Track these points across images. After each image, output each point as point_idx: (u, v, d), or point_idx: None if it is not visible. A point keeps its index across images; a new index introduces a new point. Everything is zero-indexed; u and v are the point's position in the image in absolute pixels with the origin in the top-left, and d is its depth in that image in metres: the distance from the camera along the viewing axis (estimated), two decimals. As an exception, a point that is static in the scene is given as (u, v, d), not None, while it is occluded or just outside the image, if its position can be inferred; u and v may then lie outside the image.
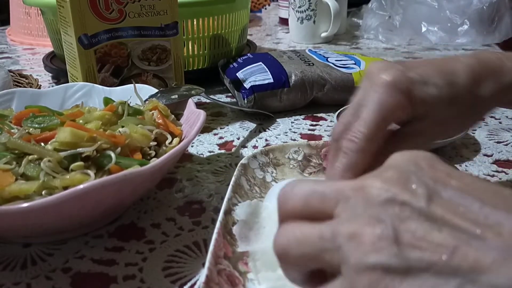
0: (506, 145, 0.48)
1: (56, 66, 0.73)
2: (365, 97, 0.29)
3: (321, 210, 0.19)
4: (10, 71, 0.63)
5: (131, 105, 0.40)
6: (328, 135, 0.52)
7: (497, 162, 0.45)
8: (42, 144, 0.33)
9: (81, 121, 0.37)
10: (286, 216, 0.21)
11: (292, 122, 0.56)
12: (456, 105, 0.29)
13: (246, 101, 0.56)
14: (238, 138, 0.51)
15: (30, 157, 0.31)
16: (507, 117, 0.56)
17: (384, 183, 0.18)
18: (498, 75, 0.30)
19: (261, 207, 0.34)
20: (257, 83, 0.57)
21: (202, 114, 0.37)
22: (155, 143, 0.37)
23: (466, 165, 0.44)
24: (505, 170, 0.43)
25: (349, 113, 0.29)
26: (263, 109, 0.57)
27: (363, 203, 0.18)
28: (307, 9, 0.96)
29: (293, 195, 0.21)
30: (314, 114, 0.58)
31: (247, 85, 0.57)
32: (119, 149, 0.33)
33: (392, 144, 0.29)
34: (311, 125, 0.55)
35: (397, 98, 0.28)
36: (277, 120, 0.56)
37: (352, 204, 0.18)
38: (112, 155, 0.32)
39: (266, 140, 0.51)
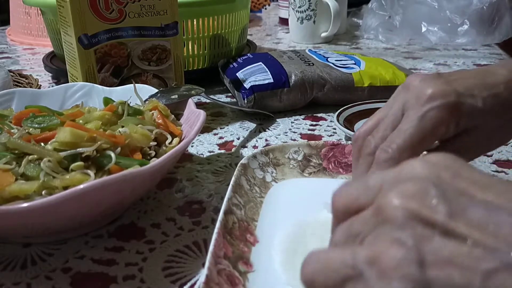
0: (506, 145, 0.48)
1: (56, 66, 0.73)
2: (407, 106, 0.28)
3: (344, 239, 0.19)
4: (10, 71, 0.63)
5: (131, 105, 0.40)
6: (328, 135, 0.52)
7: (497, 162, 0.45)
8: (42, 144, 0.33)
9: (81, 121, 0.37)
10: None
11: (292, 122, 0.56)
12: (500, 117, 0.29)
13: (246, 101, 0.56)
14: (238, 138, 0.51)
15: (30, 157, 0.31)
16: (507, 117, 0.56)
17: (402, 198, 0.17)
18: None
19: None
20: (257, 83, 0.57)
21: (202, 114, 0.37)
22: (155, 143, 0.37)
23: (466, 165, 0.44)
24: (505, 170, 0.43)
25: (387, 122, 0.29)
26: (263, 109, 0.57)
27: (383, 223, 0.17)
28: (307, 9, 0.96)
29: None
30: (314, 114, 0.58)
31: (247, 85, 0.57)
32: (119, 149, 0.33)
33: None
34: (311, 125, 0.55)
35: (442, 113, 0.27)
36: (277, 120, 0.56)
37: (374, 228, 0.17)
38: (112, 155, 0.32)
39: (266, 140, 0.51)
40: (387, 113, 0.29)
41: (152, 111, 0.40)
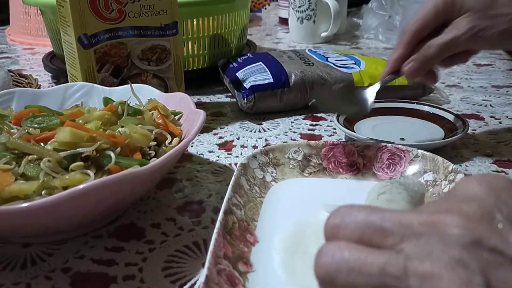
0: (507, 145, 0.48)
1: (55, 66, 0.73)
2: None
3: (379, 245, 0.16)
4: (9, 71, 0.63)
5: (130, 105, 0.40)
6: (328, 135, 0.52)
7: (497, 162, 0.45)
8: (42, 144, 0.33)
9: (80, 121, 0.37)
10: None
11: (292, 122, 0.56)
12: (491, 11, 0.37)
13: (246, 101, 0.56)
14: (238, 138, 0.51)
15: (30, 157, 0.31)
16: (507, 117, 0.56)
17: (464, 220, 0.15)
18: None
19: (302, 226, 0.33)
20: (257, 83, 0.57)
21: (202, 114, 0.37)
22: (155, 143, 0.37)
23: (466, 165, 0.44)
24: (505, 170, 0.43)
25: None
26: (263, 109, 0.57)
27: (441, 242, 0.15)
28: (307, 9, 0.96)
29: (345, 227, 0.17)
30: (314, 114, 0.58)
31: (247, 85, 0.57)
32: (118, 149, 0.33)
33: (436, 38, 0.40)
34: (311, 125, 0.55)
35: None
36: (277, 120, 0.56)
37: (426, 241, 0.15)
38: (112, 155, 0.32)
39: (266, 140, 0.51)
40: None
41: (152, 111, 0.40)
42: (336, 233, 0.17)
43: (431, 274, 0.14)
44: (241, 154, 0.48)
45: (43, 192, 0.29)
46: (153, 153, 0.36)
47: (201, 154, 0.48)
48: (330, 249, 0.16)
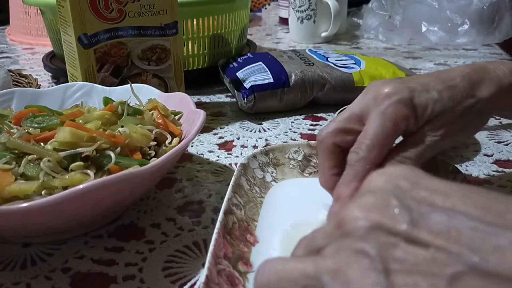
0: (507, 145, 0.48)
1: (55, 65, 0.73)
2: (367, 109, 0.30)
3: (306, 253, 0.19)
4: (9, 70, 0.63)
5: (130, 105, 0.40)
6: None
7: (497, 162, 0.45)
8: (42, 144, 0.33)
9: (80, 121, 0.37)
10: None
11: (292, 122, 0.56)
12: (458, 108, 0.30)
13: (246, 101, 0.56)
14: (238, 138, 0.51)
15: (30, 157, 0.31)
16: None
17: (362, 211, 0.17)
18: (495, 78, 0.31)
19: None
20: (257, 83, 0.57)
21: (202, 114, 0.37)
22: (155, 143, 0.37)
23: (466, 165, 0.44)
24: (505, 170, 0.43)
25: (348, 120, 0.31)
26: (263, 109, 0.57)
27: (346, 238, 0.17)
28: (307, 9, 0.96)
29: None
30: (314, 114, 0.58)
31: (247, 85, 0.57)
32: (118, 149, 0.33)
33: (405, 152, 0.30)
34: (311, 125, 0.55)
35: (398, 108, 0.28)
36: (277, 120, 0.56)
37: (337, 242, 0.17)
38: (112, 155, 0.32)
39: (266, 140, 0.51)
40: (350, 113, 0.31)
41: (152, 111, 0.40)
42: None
43: (338, 268, 0.16)
44: (241, 154, 0.48)
45: (43, 192, 0.29)
46: (153, 153, 0.36)
47: (201, 154, 0.48)
48: (265, 265, 0.19)
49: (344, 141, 0.31)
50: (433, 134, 0.30)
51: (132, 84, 0.44)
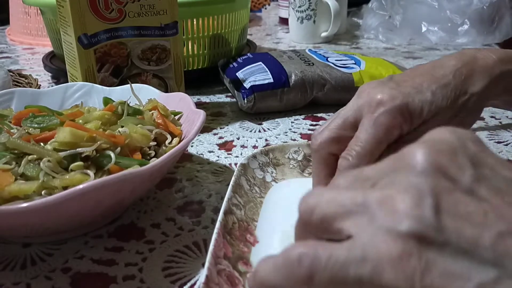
0: (506, 145, 0.48)
1: (55, 66, 0.73)
2: (360, 114, 0.30)
3: (355, 187, 0.18)
4: (9, 70, 0.63)
5: (130, 105, 0.40)
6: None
7: (497, 162, 0.45)
8: (42, 144, 0.33)
9: (80, 121, 0.37)
10: None
11: (292, 122, 0.56)
12: (453, 106, 0.30)
13: (246, 101, 0.56)
14: (238, 138, 0.51)
15: (30, 157, 0.31)
16: (507, 117, 0.56)
17: (431, 150, 0.16)
18: (485, 69, 0.31)
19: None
20: (257, 83, 0.57)
21: (202, 114, 0.37)
22: (155, 143, 0.37)
23: (466, 165, 0.44)
24: (505, 170, 0.43)
25: (342, 128, 0.30)
26: (263, 109, 0.57)
27: (404, 169, 0.16)
28: (307, 9, 0.96)
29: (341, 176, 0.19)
30: (314, 114, 0.58)
31: (247, 85, 0.57)
32: (118, 149, 0.33)
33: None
34: (311, 125, 0.55)
35: (392, 116, 0.28)
36: (277, 120, 0.56)
37: (391, 175, 0.17)
38: (112, 155, 0.32)
39: (266, 140, 0.51)
40: (338, 113, 0.31)
41: (152, 111, 0.40)
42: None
43: (387, 197, 0.16)
44: (241, 154, 0.48)
45: (43, 192, 0.29)
46: (153, 153, 0.36)
47: (201, 154, 0.48)
48: (315, 191, 0.19)
49: (339, 150, 0.31)
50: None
51: (132, 84, 0.44)
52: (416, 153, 0.17)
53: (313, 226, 0.18)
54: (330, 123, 0.32)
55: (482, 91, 0.31)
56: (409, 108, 0.29)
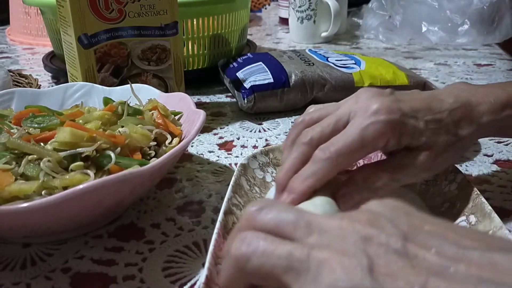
0: (507, 145, 0.48)
1: (55, 66, 0.73)
2: (354, 115, 0.29)
3: (290, 236, 0.19)
4: (9, 71, 0.63)
5: (130, 105, 0.40)
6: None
7: (497, 162, 0.45)
8: (42, 144, 0.33)
9: (80, 121, 0.37)
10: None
11: (292, 122, 0.56)
12: (441, 139, 0.30)
13: (246, 101, 0.56)
14: (238, 138, 0.51)
15: (30, 157, 0.31)
16: (507, 117, 0.56)
17: (361, 224, 0.19)
18: (476, 117, 0.32)
19: None
20: (257, 83, 0.57)
21: (202, 114, 0.37)
22: (155, 143, 0.37)
23: (466, 165, 0.44)
24: (505, 170, 0.43)
25: (334, 129, 0.30)
26: (263, 109, 0.57)
27: (340, 238, 0.18)
28: (307, 9, 0.96)
29: (262, 217, 0.20)
30: (314, 114, 0.58)
31: (247, 85, 0.57)
32: (118, 149, 0.33)
33: (382, 171, 0.30)
34: (311, 125, 0.55)
35: (384, 128, 0.28)
36: (277, 120, 0.56)
37: (329, 237, 0.19)
38: (112, 155, 0.32)
39: (266, 140, 0.51)
40: (333, 112, 0.31)
41: (152, 111, 0.40)
42: (253, 219, 0.20)
43: (328, 258, 0.17)
44: (241, 154, 0.48)
45: (43, 192, 0.29)
46: (153, 153, 0.36)
47: (201, 154, 0.48)
48: (248, 235, 0.19)
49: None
50: (410, 161, 0.30)
51: (132, 84, 0.44)
52: (351, 226, 0.19)
53: (248, 273, 0.19)
54: (323, 123, 0.31)
55: (469, 136, 0.31)
56: (401, 128, 0.29)
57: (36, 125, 0.35)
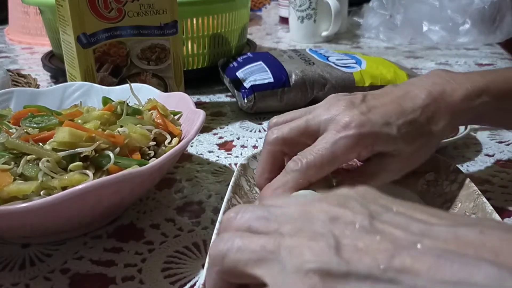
0: (508, 145, 0.48)
1: (54, 65, 0.73)
2: (324, 127, 0.30)
3: (265, 231, 0.20)
4: (8, 70, 0.62)
5: (130, 104, 0.40)
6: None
7: (498, 162, 0.44)
8: (41, 144, 0.32)
9: (79, 120, 0.36)
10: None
11: (292, 122, 0.55)
12: (415, 142, 0.31)
13: (246, 101, 0.56)
14: (238, 138, 0.51)
15: (29, 157, 0.31)
16: (508, 116, 0.56)
17: (330, 205, 0.19)
18: (449, 107, 0.32)
19: None
20: (257, 82, 0.56)
21: (201, 113, 0.37)
22: (154, 143, 0.36)
23: (467, 165, 0.44)
24: (506, 170, 0.43)
25: (301, 133, 0.31)
26: (263, 109, 0.57)
27: (308, 222, 0.19)
28: (307, 8, 0.96)
29: (238, 220, 0.21)
30: (315, 114, 0.58)
31: (247, 84, 0.57)
32: (118, 149, 0.33)
33: (357, 179, 0.31)
34: (312, 124, 0.55)
35: (354, 142, 0.29)
36: (277, 119, 0.56)
37: (299, 223, 0.19)
38: (111, 155, 0.32)
39: (266, 139, 0.51)
40: (304, 116, 0.32)
41: (151, 111, 0.40)
42: (230, 223, 0.21)
43: (296, 244, 0.18)
44: (241, 154, 0.47)
45: (41, 193, 0.29)
46: (152, 153, 0.36)
47: (201, 154, 0.47)
48: (225, 236, 0.20)
49: (291, 151, 0.32)
50: (382, 166, 0.32)
51: (132, 84, 0.44)
52: (319, 208, 0.19)
53: (224, 271, 0.20)
54: (292, 124, 0.32)
55: (442, 129, 0.32)
56: (373, 138, 0.30)
57: (34, 125, 0.35)
